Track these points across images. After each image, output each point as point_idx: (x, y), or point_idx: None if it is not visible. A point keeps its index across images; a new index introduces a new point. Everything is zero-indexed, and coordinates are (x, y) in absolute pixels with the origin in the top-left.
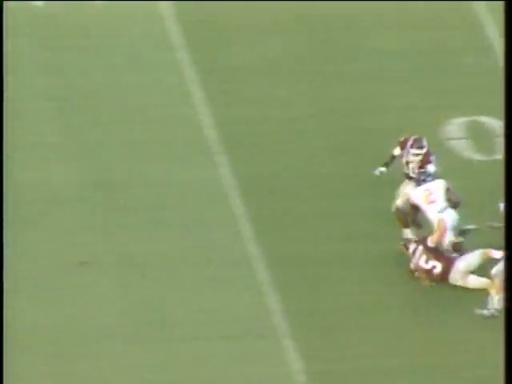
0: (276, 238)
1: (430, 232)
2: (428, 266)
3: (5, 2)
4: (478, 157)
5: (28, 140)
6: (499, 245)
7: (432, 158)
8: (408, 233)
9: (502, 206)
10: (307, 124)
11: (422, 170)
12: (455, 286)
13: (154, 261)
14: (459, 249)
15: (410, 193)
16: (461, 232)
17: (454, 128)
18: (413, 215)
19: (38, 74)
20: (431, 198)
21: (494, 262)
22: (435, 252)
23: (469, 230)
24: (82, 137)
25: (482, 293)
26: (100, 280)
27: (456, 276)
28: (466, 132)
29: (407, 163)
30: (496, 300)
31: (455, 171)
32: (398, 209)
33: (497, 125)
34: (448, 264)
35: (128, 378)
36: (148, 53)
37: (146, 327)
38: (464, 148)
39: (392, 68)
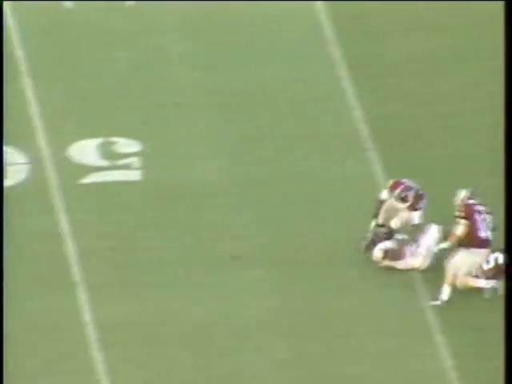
0: None
1: None
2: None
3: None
4: None
5: (183, 134)
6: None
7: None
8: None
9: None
10: (461, 120)
11: None
12: None
13: (307, 256)
14: None
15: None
16: None
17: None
18: None
19: (194, 69)
20: None
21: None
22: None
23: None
24: (235, 131)
25: None
26: (252, 274)
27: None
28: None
29: None
30: (445, 290)
31: None
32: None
33: (7, 151)
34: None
35: (277, 372)
36: (301, 48)
37: (301, 322)
38: None
39: None
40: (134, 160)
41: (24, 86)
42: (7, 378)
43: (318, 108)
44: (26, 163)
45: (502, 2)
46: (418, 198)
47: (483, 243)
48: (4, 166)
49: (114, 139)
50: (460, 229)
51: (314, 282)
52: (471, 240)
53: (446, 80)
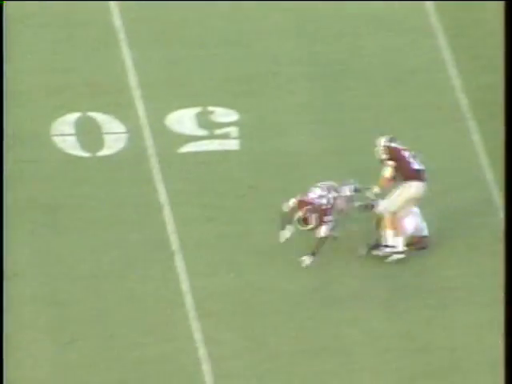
0: None
1: None
2: None
3: None
4: (83, 153)
5: (280, 104)
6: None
7: None
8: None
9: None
10: None
11: None
12: None
13: None
14: None
15: None
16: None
17: (63, 125)
18: None
19: (290, 39)
20: None
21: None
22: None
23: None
24: (332, 102)
25: None
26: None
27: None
28: (74, 128)
29: None
30: (390, 237)
31: (61, 168)
32: None
33: (105, 120)
34: None
35: (371, 342)
36: (398, 17)
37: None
38: (71, 145)
39: None
40: (231, 129)
41: (123, 55)
42: (104, 346)
43: (418, 78)
44: (124, 132)
45: (502, 2)
46: (323, 214)
47: (417, 174)
48: (98, 134)
49: (212, 108)
50: (388, 170)
51: None
52: (404, 174)
53: None
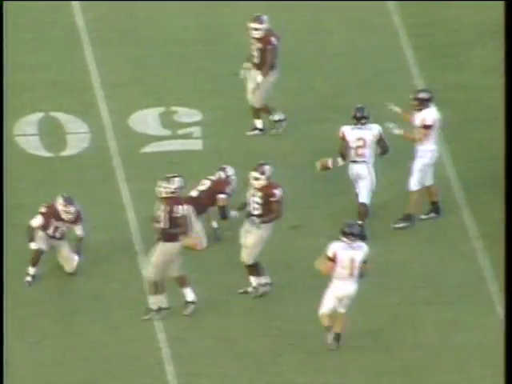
0: None
1: None
2: None
3: None
4: (46, 153)
5: (242, 103)
6: None
7: None
8: None
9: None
10: None
11: None
12: None
13: None
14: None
15: None
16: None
17: (26, 125)
18: None
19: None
20: None
21: None
22: None
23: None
24: (296, 101)
25: None
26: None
27: None
28: (37, 128)
29: None
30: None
31: (24, 169)
32: None
33: (68, 120)
34: None
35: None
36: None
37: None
38: (33, 145)
39: None
40: (194, 129)
41: (86, 55)
42: (70, 346)
43: (381, 77)
44: (87, 132)
45: (502, 2)
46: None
47: None
48: (61, 134)
49: (175, 108)
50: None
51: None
52: None
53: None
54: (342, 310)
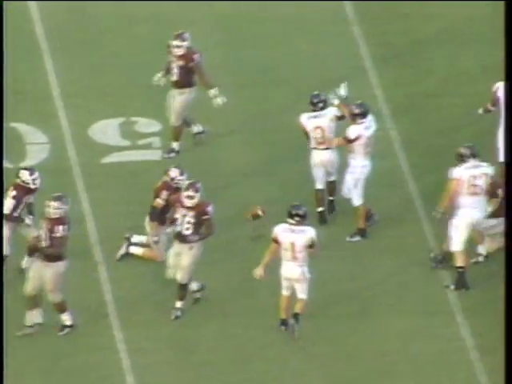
0: None
1: None
2: None
3: None
4: (6, 164)
5: (202, 113)
6: None
7: None
8: None
9: None
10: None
11: None
12: None
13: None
14: None
15: None
16: None
17: None
18: None
19: (215, 47)
20: None
21: None
22: None
23: None
24: (257, 109)
25: None
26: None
27: None
28: None
29: None
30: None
31: None
32: None
33: (28, 131)
34: None
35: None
36: (323, 26)
37: (322, 302)
38: None
39: None
40: (154, 140)
41: (45, 64)
42: (30, 357)
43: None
44: (47, 143)
45: (502, 2)
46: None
47: None
48: (21, 144)
49: (135, 119)
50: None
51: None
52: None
53: (470, 58)
54: (301, 296)
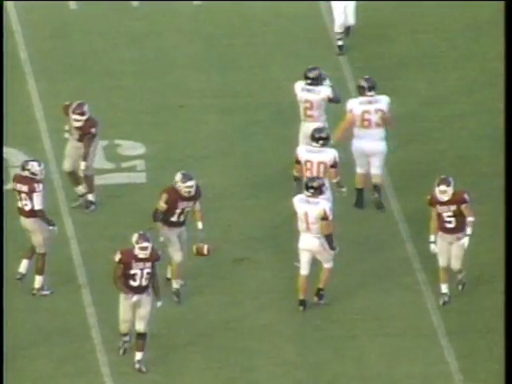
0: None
1: None
2: None
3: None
4: None
5: (187, 136)
6: None
7: None
8: None
9: None
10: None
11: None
12: None
13: None
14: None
15: None
16: None
17: None
18: None
19: (198, 71)
20: None
21: None
22: None
23: None
24: (238, 133)
25: None
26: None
27: None
28: None
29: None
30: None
31: None
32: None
33: (12, 153)
34: None
35: (284, 374)
36: (306, 49)
37: (307, 324)
38: None
39: None
40: (138, 162)
41: (29, 87)
42: (14, 380)
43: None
44: None
45: (502, 2)
46: None
47: None
48: (4, 167)
49: (119, 142)
50: None
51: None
52: None
53: (449, 81)
54: (326, 265)
